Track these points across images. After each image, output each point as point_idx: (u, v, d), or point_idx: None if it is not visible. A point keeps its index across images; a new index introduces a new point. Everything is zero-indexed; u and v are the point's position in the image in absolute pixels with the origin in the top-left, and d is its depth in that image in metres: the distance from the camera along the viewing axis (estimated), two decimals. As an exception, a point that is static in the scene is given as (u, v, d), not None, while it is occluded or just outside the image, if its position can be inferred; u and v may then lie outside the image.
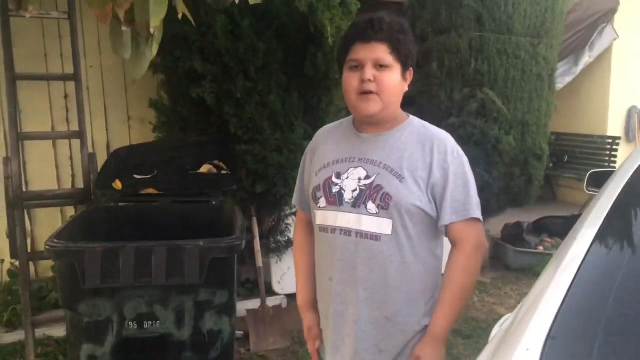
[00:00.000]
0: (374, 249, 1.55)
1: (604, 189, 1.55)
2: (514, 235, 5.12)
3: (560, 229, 4.99)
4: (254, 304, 3.72)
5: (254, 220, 3.79)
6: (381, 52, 1.51)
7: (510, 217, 5.19)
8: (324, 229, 1.63)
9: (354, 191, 1.56)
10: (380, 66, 1.52)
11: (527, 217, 5.38)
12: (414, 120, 1.65)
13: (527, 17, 4.45)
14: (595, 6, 6.31)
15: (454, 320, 1.60)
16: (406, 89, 1.60)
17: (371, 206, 1.54)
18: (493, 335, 1.35)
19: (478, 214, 1.58)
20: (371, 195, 1.54)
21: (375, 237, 1.54)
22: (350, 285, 1.60)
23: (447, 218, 1.55)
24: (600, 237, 1.21)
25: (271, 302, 3.77)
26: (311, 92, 3.69)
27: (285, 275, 4.16)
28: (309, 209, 1.76)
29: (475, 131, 4.33)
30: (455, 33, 4.39)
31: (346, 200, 1.57)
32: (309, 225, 1.80)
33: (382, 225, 1.53)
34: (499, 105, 4.40)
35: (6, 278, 3.75)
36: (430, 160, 1.54)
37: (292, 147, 3.61)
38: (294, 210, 4.10)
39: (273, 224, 4.13)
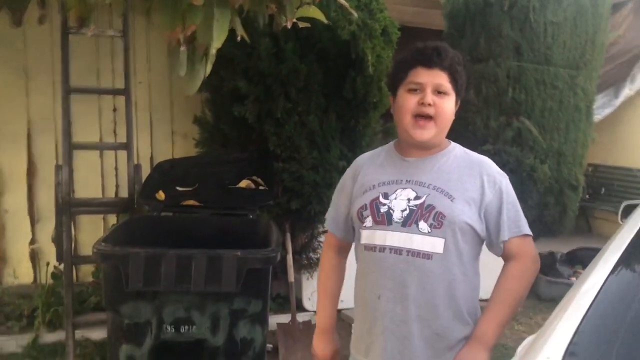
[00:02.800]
0: (425, 267, 1.57)
1: (630, 219, 1.59)
2: (546, 265, 5.06)
3: (594, 261, 4.93)
4: (284, 318, 3.79)
5: (288, 236, 3.87)
6: (442, 79, 1.59)
7: (544, 246, 5.14)
8: (371, 247, 1.64)
9: (403, 211, 1.60)
10: (439, 92, 1.59)
11: (561, 247, 5.32)
12: (457, 146, 1.72)
13: (567, 49, 4.48)
14: (638, 39, 6.28)
15: (500, 326, 1.61)
16: (454, 117, 1.67)
17: (423, 225, 1.57)
18: (519, 350, 1.40)
19: (529, 230, 1.65)
20: (423, 214, 1.57)
21: (427, 256, 1.57)
22: (401, 302, 1.61)
23: (504, 235, 1.61)
24: (621, 263, 1.26)
25: (301, 317, 3.83)
26: (349, 114, 3.79)
27: (315, 292, 4.19)
28: (341, 234, 1.82)
29: (510, 159, 4.35)
30: (494, 62, 4.45)
31: (395, 219, 1.60)
32: (339, 249, 1.85)
33: (434, 244, 1.57)
34: (535, 134, 4.42)
35: (50, 280, 3.91)
36: (481, 182, 1.61)
37: (328, 166, 3.71)
38: (326, 228, 4.16)
39: (306, 240, 4.21)
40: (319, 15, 1.82)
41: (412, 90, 1.60)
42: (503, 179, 1.65)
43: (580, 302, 1.14)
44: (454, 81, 1.61)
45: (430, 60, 1.59)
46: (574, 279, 4.89)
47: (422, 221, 1.57)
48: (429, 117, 1.59)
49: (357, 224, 1.71)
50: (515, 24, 4.41)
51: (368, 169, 1.75)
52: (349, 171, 1.83)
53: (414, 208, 1.59)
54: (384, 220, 1.62)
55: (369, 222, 1.65)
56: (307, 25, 1.90)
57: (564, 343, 1.01)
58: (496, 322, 1.60)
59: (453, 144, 1.72)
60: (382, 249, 1.62)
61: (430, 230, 1.56)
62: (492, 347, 1.60)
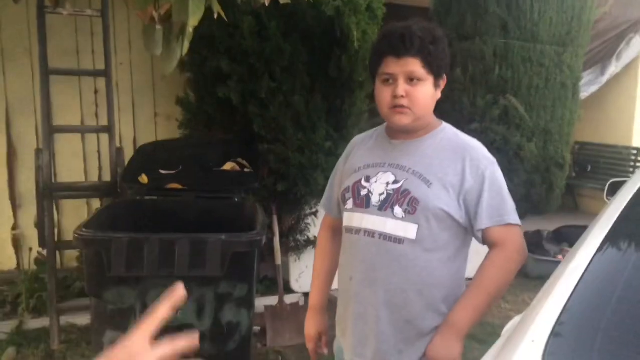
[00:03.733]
0: (396, 252, 1.57)
1: (616, 197, 1.57)
2: (533, 243, 5.09)
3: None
4: (271, 300, 3.78)
5: (275, 218, 3.85)
6: (413, 66, 1.53)
7: (531, 225, 5.17)
8: (349, 230, 1.67)
9: (381, 195, 1.60)
10: (411, 79, 1.54)
11: (548, 225, 5.35)
12: (447, 127, 1.68)
13: (553, 25, 4.45)
14: (624, 16, 6.26)
15: (475, 312, 1.57)
16: (439, 96, 1.62)
17: (398, 210, 1.56)
18: (505, 330, 1.39)
19: (515, 220, 1.59)
20: (398, 199, 1.56)
21: (398, 241, 1.56)
22: (370, 286, 1.61)
23: (481, 223, 1.56)
24: (607, 242, 1.25)
25: (289, 299, 3.83)
26: (334, 94, 3.74)
27: (303, 274, 4.21)
28: (336, 214, 1.81)
29: (497, 137, 4.34)
30: (480, 40, 4.41)
31: (373, 203, 1.60)
32: (334, 230, 1.83)
33: (407, 229, 1.55)
34: (521, 112, 4.41)
35: (33, 266, 3.87)
36: (462, 167, 1.56)
37: (314, 147, 3.67)
38: (313, 210, 4.16)
39: (293, 223, 4.18)
40: (299, -6, 1.77)
41: (386, 81, 1.58)
42: (489, 165, 1.59)
43: (566, 282, 1.13)
44: (428, 64, 1.54)
45: (397, 50, 1.53)
46: (560, 257, 4.93)
47: (397, 206, 1.56)
48: (403, 107, 1.56)
49: (341, 205, 1.73)
50: (502, 1, 4.36)
51: (358, 151, 1.76)
52: (344, 153, 1.84)
53: (391, 192, 1.58)
54: (363, 203, 1.63)
55: (349, 204, 1.66)
56: (288, 1, 1.84)
57: (549, 324, 0.99)
58: (472, 308, 1.56)
59: (444, 125, 1.68)
60: (358, 231, 1.63)
61: (404, 216, 1.55)
62: (465, 335, 1.56)
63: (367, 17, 3.51)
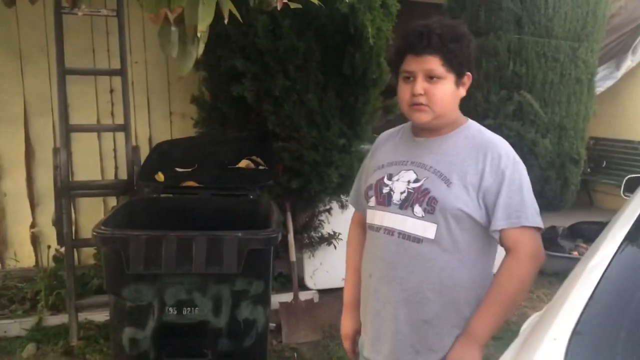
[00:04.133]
0: (414, 250, 1.57)
1: (637, 193, 1.57)
2: (548, 239, 5.06)
3: (596, 234, 4.90)
4: (286, 297, 3.81)
5: (289, 215, 3.87)
6: (432, 64, 1.53)
7: (545, 221, 5.03)
8: (371, 227, 1.69)
9: (402, 193, 1.60)
10: (431, 77, 1.54)
11: (563, 221, 5.32)
12: (472, 124, 1.66)
13: (568, 20, 4.42)
14: (640, 10, 6.19)
15: (493, 324, 1.54)
16: (463, 93, 1.62)
17: (418, 209, 1.56)
18: (523, 329, 1.39)
19: (534, 222, 1.55)
20: (418, 198, 1.56)
21: (417, 240, 1.57)
22: (388, 283, 1.63)
23: (497, 224, 1.53)
24: (629, 239, 1.24)
25: (303, 296, 3.85)
26: (348, 91, 3.74)
27: (317, 271, 4.23)
28: (362, 210, 1.82)
29: (511, 134, 4.32)
30: (494, 35, 4.39)
31: (394, 201, 1.61)
32: (363, 226, 1.82)
33: (426, 229, 1.55)
34: (536, 108, 4.38)
35: (51, 264, 3.92)
36: (483, 166, 1.54)
37: (328, 145, 3.68)
38: (327, 207, 4.17)
39: (307, 220, 4.20)
40: (311, -5, 1.77)
41: (406, 79, 1.58)
42: (510, 164, 1.55)
43: (587, 279, 1.13)
44: (448, 62, 1.53)
45: (416, 47, 1.54)
46: (575, 253, 4.91)
47: (417, 205, 1.57)
48: (422, 105, 1.57)
49: (364, 203, 1.74)
50: (516, -4, 4.34)
51: (383, 147, 1.77)
52: (370, 149, 1.85)
53: (412, 191, 1.59)
54: (385, 201, 1.64)
55: (372, 202, 1.68)
56: (299, 6, 1.85)
57: (571, 322, 0.99)
58: (488, 318, 1.54)
59: (469, 122, 1.67)
60: (378, 228, 1.65)
61: (424, 215, 1.55)
62: (484, 343, 1.55)
63: (381, 13, 3.51)
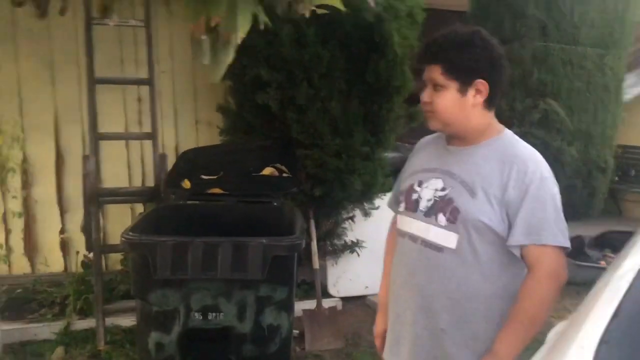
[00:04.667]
0: (435, 259, 1.58)
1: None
2: (574, 248, 4.90)
3: (625, 244, 4.84)
4: (309, 304, 3.81)
5: (312, 222, 3.88)
6: (434, 72, 1.56)
7: (572, 230, 4.91)
8: (399, 232, 1.73)
9: (429, 201, 1.62)
10: (435, 86, 1.58)
11: (590, 230, 5.22)
12: (505, 136, 1.63)
13: (595, 27, 4.39)
14: (669, 16, 6.09)
15: (516, 344, 1.51)
16: (475, 101, 1.57)
17: (441, 218, 1.57)
18: (549, 338, 1.38)
19: (556, 241, 1.50)
20: (442, 207, 1.57)
21: (438, 249, 1.57)
22: (409, 290, 1.65)
23: (515, 239, 1.50)
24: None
25: (326, 303, 3.84)
26: (372, 99, 3.76)
27: (340, 279, 4.24)
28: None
29: (536, 142, 4.26)
30: (519, 43, 4.38)
31: (421, 208, 1.63)
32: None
33: (447, 238, 1.56)
34: (562, 116, 4.35)
35: (80, 269, 3.99)
36: (507, 179, 1.52)
37: (351, 152, 3.69)
38: (350, 214, 4.18)
39: (330, 227, 4.21)
40: (338, 4, 1.80)
41: (425, 87, 1.63)
42: (536, 180, 1.51)
43: (614, 288, 1.12)
44: (448, 70, 1.54)
45: (422, 57, 1.61)
46: (603, 263, 4.81)
47: (441, 214, 1.57)
48: (429, 112, 1.62)
49: (396, 207, 1.78)
50: (541, 3, 4.33)
51: (420, 153, 1.79)
52: (411, 153, 1.87)
53: (437, 199, 1.60)
54: (412, 207, 1.66)
55: (402, 207, 1.72)
56: (326, 12, 1.88)
57: (598, 331, 0.99)
58: (510, 337, 1.51)
59: (503, 134, 1.64)
60: (404, 235, 1.68)
61: (446, 224, 1.56)
62: None
63: (408, 22, 3.53)
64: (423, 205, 1.62)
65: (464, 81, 1.55)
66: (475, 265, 1.55)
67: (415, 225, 1.64)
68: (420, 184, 1.66)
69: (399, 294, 1.70)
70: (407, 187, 1.71)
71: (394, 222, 1.90)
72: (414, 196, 1.66)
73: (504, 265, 1.57)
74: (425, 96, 1.60)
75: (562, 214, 1.54)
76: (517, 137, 1.64)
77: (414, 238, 1.64)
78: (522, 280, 1.59)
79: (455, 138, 1.65)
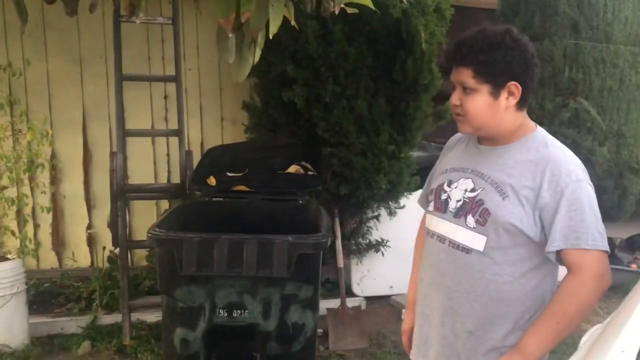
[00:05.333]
0: (462, 261, 1.56)
1: None
2: (605, 251, 4.88)
3: (657, 247, 4.72)
4: (334, 303, 3.79)
5: (337, 221, 3.86)
6: (464, 76, 1.52)
7: None
8: (427, 232, 1.71)
9: (458, 201, 1.59)
10: (465, 89, 1.53)
11: (620, 233, 5.10)
12: (538, 135, 1.59)
13: (628, 25, 4.28)
14: None
15: (546, 342, 1.48)
16: (508, 104, 1.53)
17: (470, 220, 1.55)
18: (583, 341, 1.33)
19: (595, 245, 1.45)
20: (472, 208, 1.55)
21: (466, 250, 1.56)
22: (437, 291, 1.64)
23: (554, 244, 1.46)
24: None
25: (350, 303, 3.82)
26: (399, 97, 3.72)
27: (364, 278, 4.21)
28: None
29: (566, 141, 4.15)
30: (549, 40, 4.30)
31: (450, 209, 1.61)
32: None
33: (475, 240, 1.53)
34: (593, 115, 4.26)
35: (106, 264, 4.03)
36: (540, 182, 1.48)
37: (377, 151, 3.66)
38: (375, 213, 4.15)
39: (355, 226, 4.19)
40: (367, 2, 1.77)
41: (454, 88, 1.58)
42: (571, 183, 1.47)
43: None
44: (479, 73, 1.49)
45: (452, 59, 1.55)
46: (634, 266, 4.70)
47: (470, 215, 1.55)
48: (459, 115, 1.58)
49: (426, 206, 1.77)
50: (573, 0, 4.22)
51: (451, 151, 1.76)
52: (443, 150, 1.84)
53: (467, 200, 1.57)
54: (442, 207, 1.64)
55: (431, 206, 1.69)
56: (355, 11, 1.85)
57: (639, 335, 0.95)
58: (539, 335, 1.48)
59: (535, 133, 1.59)
60: (433, 235, 1.66)
61: (475, 226, 1.54)
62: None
63: (435, 18, 3.49)
64: (452, 205, 1.60)
65: (497, 84, 1.51)
66: (505, 267, 1.52)
67: (443, 226, 1.62)
68: (450, 184, 1.64)
69: (426, 294, 1.69)
70: (436, 186, 1.69)
71: (423, 220, 1.86)
72: (444, 196, 1.64)
73: (534, 268, 1.54)
74: (455, 99, 1.55)
75: (599, 216, 1.49)
76: (549, 136, 1.60)
77: (442, 239, 1.62)
78: (552, 282, 1.58)
79: (487, 138, 1.62)
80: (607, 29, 4.21)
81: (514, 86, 1.51)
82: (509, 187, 1.51)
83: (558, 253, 1.47)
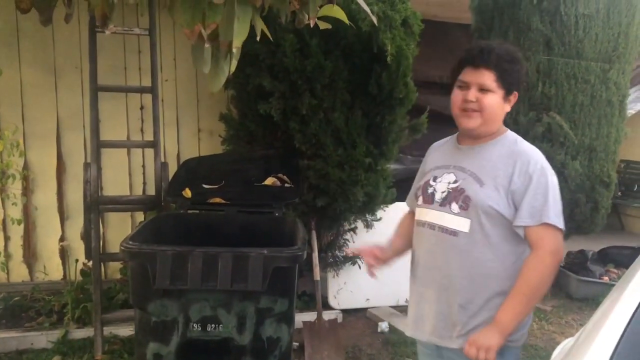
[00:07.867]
0: (451, 242, 1.80)
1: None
2: (577, 263, 4.96)
3: (628, 259, 4.79)
4: (310, 316, 3.78)
5: (313, 233, 3.86)
6: (486, 78, 1.75)
7: (574, 245, 5.03)
8: (418, 223, 1.94)
9: (443, 192, 1.84)
10: (482, 89, 1.76)
11: (592, 245, 5.20)
12: (509, 135, 1.86)
13: (599, 42, 4.37)
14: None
15: (516, 314, 1.71)
16: (508, 109, 1.82)
17: (454, 206, 1.80)
18: (555, 354, 1.35)
19: (555, 221, 1.71)
20: (455, 197, 1.80)
21: (453, 233, 1.80)
22: (430, 270, 1.88)
23: (520, 221, 1.73)
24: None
25: (327, 315, 3.81)
26: (374, 110, 3.75)
27: (341, 290, 4.20)
28: (414, 208, 2.06)
29: (540, 155, 4.26)
30: (523, 56, 4.33)
31: (436, 199, 1.86)
32: (412, 217, 2.05)
33: (461, 223, 1.78)
34: (566, 130, 4.32)
35: (79, 277, 3.96)
36: (512, 170, 1.74)
37: (354, 163, 3.67)
38: (352, 226, 4.15)
39: (332, 238, 4.19)
40: (341, 15, 1.80)
41: (460, 87, 1.81)
42: (538, 170, 1.73)
43: (624, 306, 1.09)
44: (501, 79, 1.74)
45: (475, 60, 1.77)
46: (606, 278, 4.78)
47: (454, 203, 1.80)
48: (473, 110, 1.78)
49: (414, 202, 2.01)
50: (545, 17, 4.31)
51: (433, 154, 2.04)
52: (425, 156, 2.10)
53: (451, 190, 1.82)
54: (429, 199, 1.89)
55: (420, 200, 1.94)
56: (328, 26, 1.88)
57: (609, 348, 0.96)
58: (511, 309, 1.71)
59: (508, 132, 1.87)
60: (424, 224, 1.91)
61: (459, 211, 1.79)
62: (508, 333, 1.71)
63: (402, 32, 3.53)
64: (438, 196, 1.85)
65: (508, 91, 1.79)
66: (487, 246, 1.77)
67: (432, 215, 1.86)
68: (435, 179, 1.89)
69: (421, 275, 1.92)
70: (423, 183, 1.94)
71: (405, 216, 2.17)
72: (430, 190, 1.89)
73: (512, 246, 1.79)
74: (472, 96, 1.76)
75: (559, 199, 1.77)
76: (518, 136, 1.88)
77: (432, 226, 1.86)
78: (523, 257, 1.81)
79: (469, 137, 1.87)
80: (579, 45, 4.28)
81: (514, 96, 1.82)
82: (486, 176, 1.77)
83: (523, 230, 1.74)
